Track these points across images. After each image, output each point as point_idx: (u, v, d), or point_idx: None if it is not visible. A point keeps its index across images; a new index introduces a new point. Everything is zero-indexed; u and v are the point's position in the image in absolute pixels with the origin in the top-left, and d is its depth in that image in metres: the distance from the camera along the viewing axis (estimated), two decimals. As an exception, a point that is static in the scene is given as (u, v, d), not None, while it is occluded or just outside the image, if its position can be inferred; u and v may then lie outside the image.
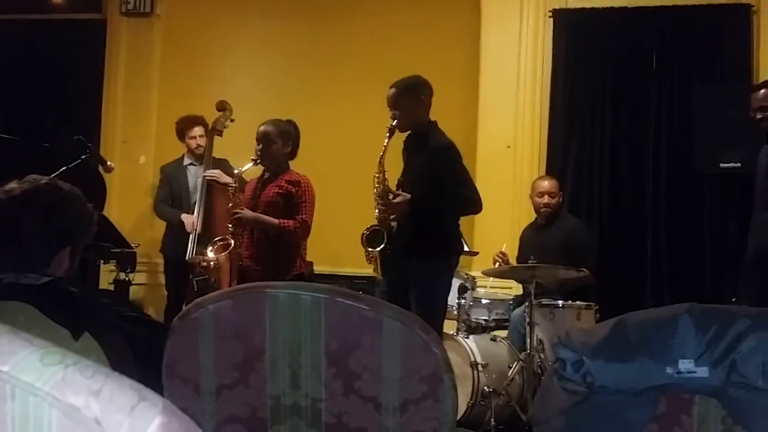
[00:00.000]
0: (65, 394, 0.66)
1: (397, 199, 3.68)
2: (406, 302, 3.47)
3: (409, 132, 3.86)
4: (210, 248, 4.13)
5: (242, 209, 4.02)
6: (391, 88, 3.83)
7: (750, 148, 4.60)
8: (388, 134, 3.73)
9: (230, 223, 4.04)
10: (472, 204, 3.80)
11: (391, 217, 3.72)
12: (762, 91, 4.11)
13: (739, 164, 5.01)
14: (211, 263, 4.05)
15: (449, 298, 4.49)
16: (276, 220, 3.99)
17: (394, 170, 3.86)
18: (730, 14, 5.50)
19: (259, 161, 4.08)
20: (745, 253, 4.29)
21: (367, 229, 3.77)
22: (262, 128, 4.08)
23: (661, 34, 5.61)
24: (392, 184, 3.80)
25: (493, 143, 5.80)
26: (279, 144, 4.05)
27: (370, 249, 3.72)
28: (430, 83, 3.88)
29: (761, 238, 4.06)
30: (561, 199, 5.00)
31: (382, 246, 3.69)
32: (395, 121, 3.73)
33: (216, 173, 4.72)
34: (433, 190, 3.66)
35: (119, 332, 1.70)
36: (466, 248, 5.26)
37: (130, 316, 1.79)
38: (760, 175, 4.16)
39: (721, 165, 5.13)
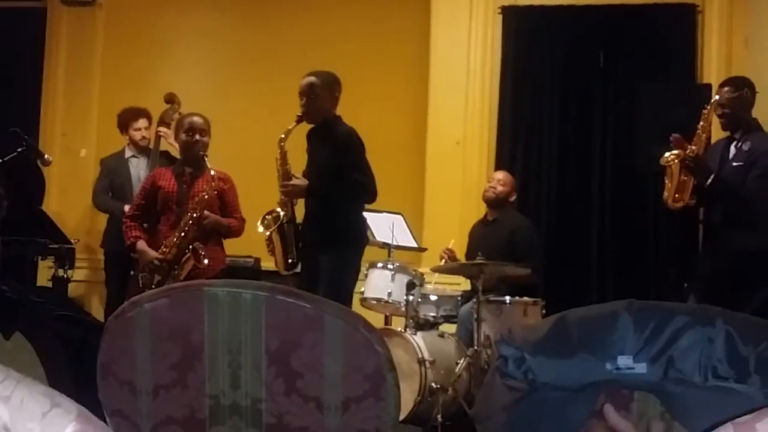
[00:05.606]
0: (-28, 400, 0.63)
1: (294, 181, 3.83)
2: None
3: (312, 125, 3.94)
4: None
5: (207, 214, 3.94)
6: (309, 76, 3.88)
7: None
8: (296, 121, 3.84)
9: (192, 228, 3.93)
10: (364, 191, 3.84)
11: (284, 198, 3.87)
12: (726, 88, 4.13)
13: (681, 161, 5.10)
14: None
15: (398, 294, 4.50)
16: (225, 221, 4.05)
17: (299, 164, 3.96)
18: (676, 13, 5.62)
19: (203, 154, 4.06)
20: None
21: (269, 213, 3.89)
22: (199, 119, 4.10)
23: (608, 32, 5.70)
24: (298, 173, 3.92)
25: (442, 140, 5.81)
26: (208, 137, 4.10)
27: (261, 228, 3.87)
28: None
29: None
30: (507, 195, 5.00)
31: (273, 228, 3.83)
32: (305, 110, 3.83)
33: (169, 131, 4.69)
34: (332, 176, 3.77)
35: (52, 332, 1.64)
36: (414, 244, 5.28)
37: (64, 315, 1.73)
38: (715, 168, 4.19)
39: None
